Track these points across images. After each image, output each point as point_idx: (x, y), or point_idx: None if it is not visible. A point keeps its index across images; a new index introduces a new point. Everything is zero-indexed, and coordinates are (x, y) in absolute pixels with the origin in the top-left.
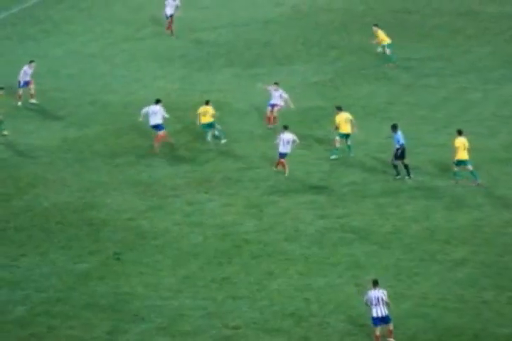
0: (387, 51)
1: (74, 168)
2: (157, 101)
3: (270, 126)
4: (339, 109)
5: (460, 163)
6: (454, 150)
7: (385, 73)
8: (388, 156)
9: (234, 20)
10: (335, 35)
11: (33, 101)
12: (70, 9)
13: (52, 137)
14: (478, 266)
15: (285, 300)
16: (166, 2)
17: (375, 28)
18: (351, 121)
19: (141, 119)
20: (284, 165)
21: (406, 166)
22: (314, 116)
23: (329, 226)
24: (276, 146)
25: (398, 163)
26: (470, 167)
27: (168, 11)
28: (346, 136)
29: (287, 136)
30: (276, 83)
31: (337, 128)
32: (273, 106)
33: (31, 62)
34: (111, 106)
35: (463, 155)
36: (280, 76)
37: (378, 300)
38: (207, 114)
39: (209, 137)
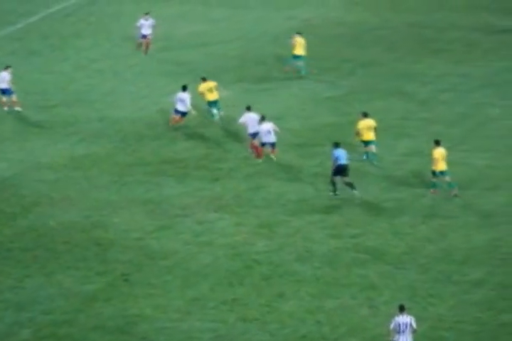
0: (301, 63)
1: (81, 186)
2: (184, 88)
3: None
4: (364, 115)
5: (440, 173)
6: (432, 160)
7: (399, 88)
8: (403, 174)
9: (244, 34)
10: (347, 48)
11: (18, 108)
12: (78, 23)
13: (58, 154)
14: (495, 287)
15: (296, 323)
16: (139, 24)
17: (297, 36)
18: (375, 128)
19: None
20: (260, 152)
21: (348, 184)
22: (326, 132)
23: (342, 247)
24: (259, 138)
25: (337, 179)
26: (448, 178)
27: (144, 31)
28: (367, 143)
29: (266, 126)
30: (247, 108)
31: (357, 134)
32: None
33: (8, 67)
34: (119, 123)
35: (442, 165)
36: (291, 91)
37: (406, 326)
38: (212, 89)
39: (216, 117)
